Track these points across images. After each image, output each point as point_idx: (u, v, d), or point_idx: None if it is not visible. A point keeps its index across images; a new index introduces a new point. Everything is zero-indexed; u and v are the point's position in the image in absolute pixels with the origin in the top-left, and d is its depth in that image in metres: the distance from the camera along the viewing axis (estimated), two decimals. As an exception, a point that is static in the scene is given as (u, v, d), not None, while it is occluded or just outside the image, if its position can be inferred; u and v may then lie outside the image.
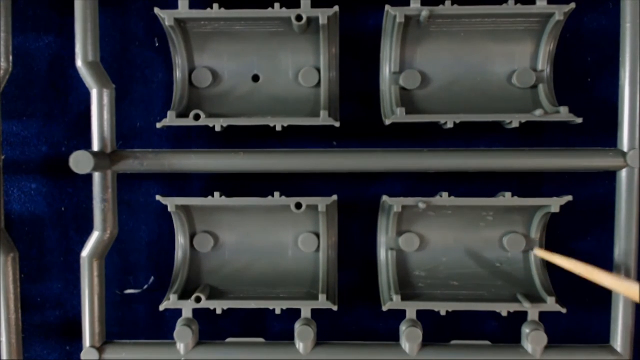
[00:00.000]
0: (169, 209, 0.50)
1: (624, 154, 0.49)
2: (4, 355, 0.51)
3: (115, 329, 0.56)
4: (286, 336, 0.52)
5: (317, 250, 0.53)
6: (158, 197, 0.50)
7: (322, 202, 0.50)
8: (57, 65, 0.55)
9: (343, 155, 0.50)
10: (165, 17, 0.48)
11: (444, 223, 0.53)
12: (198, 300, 0.49)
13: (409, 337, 0.49)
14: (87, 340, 0.51)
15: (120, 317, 0.56)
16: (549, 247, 0.53)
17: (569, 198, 0.49)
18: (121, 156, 0.50)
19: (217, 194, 0.50)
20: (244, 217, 0.53)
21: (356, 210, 0.55)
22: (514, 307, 0.49)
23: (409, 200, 0.49)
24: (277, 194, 0.50)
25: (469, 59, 0.52)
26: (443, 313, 0.50)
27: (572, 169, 0.50)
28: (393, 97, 0.51)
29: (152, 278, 0.56)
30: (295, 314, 0.50)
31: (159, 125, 0.49)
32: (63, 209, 0.56)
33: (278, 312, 0.50)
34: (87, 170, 0.46)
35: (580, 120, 0.48)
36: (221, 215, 0.53)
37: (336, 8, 0.48)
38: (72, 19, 0.49)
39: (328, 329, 0.55)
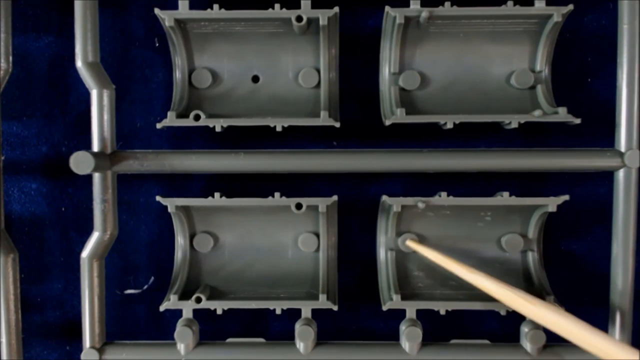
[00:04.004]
0: (169, 210, 0.50)
1: (621, 154, 0.49)
2: (4, 356, 0.51)
3: (116, 329, 0.56)
4: (286, 336, 0.52)
5: (317, 250, 0.53)
6: (158, 198, 0.50)
7: (322, 203, 0.50)
8: (57, 65, 0.55)
9: (343, 155, 0.50)
10: (165, 17, 0.48)
11: (442, 223, 0.53)
12: (198, 300, 0.50)
13: (409, 337, 0.49)
14: (87, 341, 0.51)
15: (120, 317, 0.56)
16: (547, 247, 0.53)
17: (566, 197, 0.49)
18: (121, 156, 0.50)
19: (217, 195, 0.50)
20: (244, 217, 0.54)
21: (356, 210, 0.55)
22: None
23: (408, 200, 0.50)
24: (277, 194, 0.50)
25: (468, 59, 0.52)
26: (442, 312, 0.50)
27: (570, 169, 0.50)
28: (393, 98, 0.51)
29: (152, 278, 0.56)
30: (295, 314, 0.51)
31: (159, 126, 0.49)
32: (63, 209, 0.56)
33: (278, 312, 0.50)
34: (87, 171, 0.46)
35: (578, 121, 0.48)
36: (221, 215, 0.53)
37: (336, 9, 0.48)
38: (72, 19, 0.49)
39: (328, 329, 0.55)
